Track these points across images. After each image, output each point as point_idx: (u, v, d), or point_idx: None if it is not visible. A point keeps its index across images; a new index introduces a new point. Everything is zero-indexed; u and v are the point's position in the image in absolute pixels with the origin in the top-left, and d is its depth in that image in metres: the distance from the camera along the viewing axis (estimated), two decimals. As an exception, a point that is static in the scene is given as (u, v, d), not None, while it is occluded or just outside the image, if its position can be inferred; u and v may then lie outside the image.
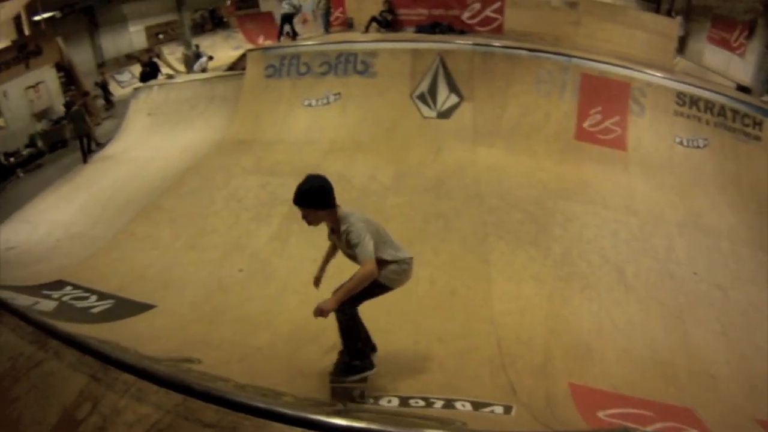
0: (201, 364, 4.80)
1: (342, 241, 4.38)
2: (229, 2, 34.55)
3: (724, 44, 17.54)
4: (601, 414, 4.88)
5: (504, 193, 8.42)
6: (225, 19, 34.06)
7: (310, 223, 4.45)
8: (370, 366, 4.65)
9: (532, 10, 13.34)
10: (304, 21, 15.85)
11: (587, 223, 7.97)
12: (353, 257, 4.28)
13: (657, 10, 26.13)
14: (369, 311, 5.24)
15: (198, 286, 6.99)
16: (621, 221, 8.19)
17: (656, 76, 10.90)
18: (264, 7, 34.58)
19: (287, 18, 15.95)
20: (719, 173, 10.02)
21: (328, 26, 14.77)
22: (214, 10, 34.09)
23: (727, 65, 16.96)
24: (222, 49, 28.59)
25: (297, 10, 15.45)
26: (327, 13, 14.80)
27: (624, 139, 10.08)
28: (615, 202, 8.70)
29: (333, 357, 4.96)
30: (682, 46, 21.55)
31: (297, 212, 7.42)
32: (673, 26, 14.72)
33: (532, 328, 6.05)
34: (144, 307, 6.56)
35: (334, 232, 4.52)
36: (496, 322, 6.03)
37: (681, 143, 10.33)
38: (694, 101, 10.72)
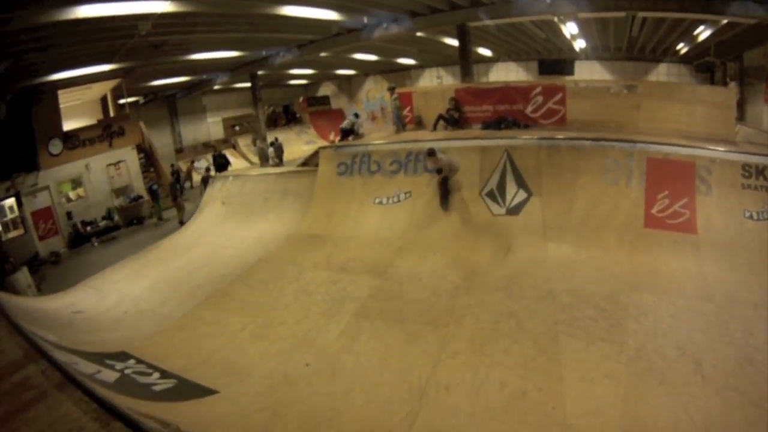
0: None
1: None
2: (301, 99, 36.47)
3: (783, 104, 17.30)
4: None
5: (576, 289, 8.43)
6: (298, 115, 35.95)
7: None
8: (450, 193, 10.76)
9: (593, 99, 13.56)
10: (373, 118, 16.68)
11: (661, 315, 7.80)
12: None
13: (711, 80, 26.08)
14: (436, 414, 5.70)
15: (263, 376, 6.95)
16: (695, 309, 7.97)
17: (720, 151, 10.74)
18: (335, 104, 36.49)
19: (346, 133, 16.81)
20: None
21: (401, 124, 15.31)
22: (288, 105, 36.10)
23: (788, 125, 16.67)
24: (295, 144, 30.09)
25: (356, 128, 16.16)
26: (399, 112, 15.35)
27: (693, 222, 9.98)
28: (689, 289, 8.53)
29: None
30: (740, 112, 21.27)
31: (367, 310, 8.17)
32: (730, 95, 14.59)
33: (607, 430, 5.86)
34: (207, 392, 6.50)
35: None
36: (569, 424, 5.87)
37: (751, 217, 10.00)
38: (760, 171, 10.39)
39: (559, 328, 7.49)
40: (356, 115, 14.94)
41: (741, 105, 21.46)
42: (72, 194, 19.55)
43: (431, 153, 10.84)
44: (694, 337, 7.42)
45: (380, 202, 11.48)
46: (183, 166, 25.87)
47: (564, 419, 5.96)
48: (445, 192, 10.99)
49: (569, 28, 19.92)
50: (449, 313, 8.02)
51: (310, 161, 15.75)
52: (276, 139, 28.00)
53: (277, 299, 9.06)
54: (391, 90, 15.58)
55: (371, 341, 7.46)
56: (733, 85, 21.66)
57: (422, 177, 11.49)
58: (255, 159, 29.06)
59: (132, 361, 7.22)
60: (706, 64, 25.01)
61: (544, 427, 5.84)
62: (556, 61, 29.60)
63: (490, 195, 10.87)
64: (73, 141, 19.52)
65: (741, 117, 20.77)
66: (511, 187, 10.80)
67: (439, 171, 10.97)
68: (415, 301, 8.45)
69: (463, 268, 9.23)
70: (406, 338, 7.47)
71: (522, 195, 10.72)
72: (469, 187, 11.02)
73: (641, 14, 14.22)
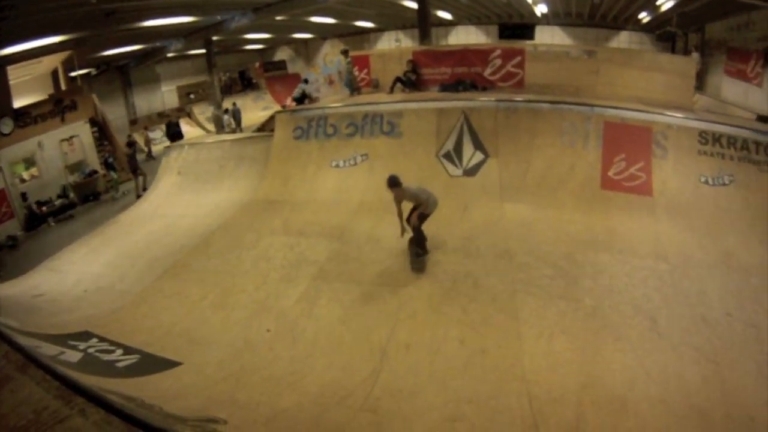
0: (227, 425, 4.80)
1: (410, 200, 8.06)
2: (258, 64, 35.70)
3: (741, 75, 17.51)
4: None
5: (533, 249, 8.49)
6: (254, 81, 35.16)
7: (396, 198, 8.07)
8: (427, 253, 8.44)
9: (552, 63, 13.53)
10: (331, 82, 16.25)
11: (617, 273, 7.94)
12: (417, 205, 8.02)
13: (672, 50, 26.45)
14: (397, 373, 5.71)
15: (225, 345, 6.95)
16: (651, 268, 8.14)
17: (677, 117, 10.96)
18: (292, 68, 35.78)
19: (299, 102, 16.44)
20: (747, 208, 9.94)
21: (353, 88, 15.08)
22: (244, 71, 35.27)
23: (745, 96, 16.92)
24: (251, 110, 29.49)
25: (308, 92, 15.85)
26: (350, 75, 15.13)
27: (649, 184, 10.15)
28: (644, 249, 8.68)
29: (362, 419, 5.17)
30: (700, 81, 21.61)
31: (326, 273, 8.13)
32: (690, 64, 14.77)
33: (564, 385, 5.94)
34: (170, 364, 6.50)
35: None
36: (528, 380, 5.96)
37: (706, 182, 10.32)
38: (716, 138, 10.72)
39: (517, 287, 7.58)
40: (306, 81, 14.53)
41: (701, 75, 21.83)
42: (26, 174, 18.64)
43: (394, 183, 7.99)
44: (650, 295, 7.57)
45: (337, 165, 11.35)
46: (139, 138, 24.99)
47: (523, 375, 6.04)
48: (419, 237, 8.45)
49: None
50: (407, 273, 8.06)
51: (266, 126, 15.64)
52: (234, 104, 27.41)
53: (235, 267, 8.97)
54: (345, 53, 15.25)
55: (330, 304, 7.46)
56: (696, 55, 21.94)
57: (379, 139, 11.38)
58: (211, 127, 28.40)
59: (95, 340, 7.15)
60: (668, 34, 25.32)
61: (504, 383, 5.91)
62: (516, 26, 29.61)
63: (447, 156, 10.82)
64: (25, 119, 18.59)
65: (700, 87, 21.14)
66: (468, 149, 10.78)
67: (414, 208, 8.38)
68: (373, 262, 8.48)
69: (421, 229, 9.16)
70: (364, 300, 7.48)
71: (479, 156, 10.71)
72: (425, 148, 10.97)
73: None
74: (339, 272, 8.27)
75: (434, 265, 8.21)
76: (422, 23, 17.15)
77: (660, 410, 5.73)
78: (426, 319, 6.97)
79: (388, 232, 9.03)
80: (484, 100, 11.44)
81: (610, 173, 10.29)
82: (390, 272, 8.16)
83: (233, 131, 24.41)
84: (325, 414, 5.49)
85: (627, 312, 7.17)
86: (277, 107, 24.34)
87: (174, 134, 22.59)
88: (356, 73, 15.42)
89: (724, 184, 10.37)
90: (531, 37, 29.01)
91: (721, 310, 7.42)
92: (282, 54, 39.09)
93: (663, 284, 7.81)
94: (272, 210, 10.66)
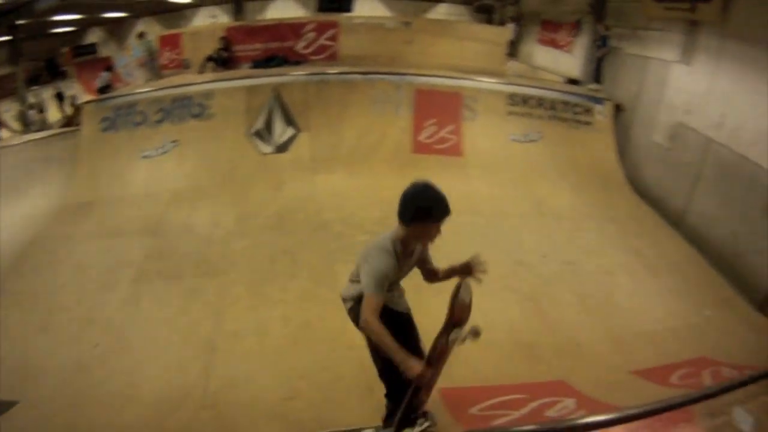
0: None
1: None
2: (66, 50, 32.41)
3: (553, 44, 18.71)
4: (474, 410, 4.91)
5: (347, 217, 8.48)
6: (63, 69, 31.87)
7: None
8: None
9: (366, 34, 13.71)
10: (142, 65, 15.34)
11: None
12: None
13: (489, 21, 27.79)
14: (229, 364, 5.53)
15: (56, 371, 6.34)
16: (466, 223, 8.29)
17: (486, 82, 11.61)
18: (104, 52, 32.88)
19: (104, 91, 15.37)
20: (556, 160, 10.78)
21: (156, 69, 14.19)
22: (52, 59, 31.86)
23: (556, 62, 18.09)
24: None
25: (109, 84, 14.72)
26: (152, 57, 14.23)
27: (460, 146, 10.59)
28: (458, 206, 8.77)
29: (204, 416, 4.97)
30: (515, 50, 22.90)
31: (144, 273, 7.51)
32: (501, 34, 15.57)
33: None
34: (7, 405, 5.85)
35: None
36: (356, 345, 5.74)
37: (516, 140, 11.03)
38: (525, 100, 11.53)
39: (334, 257, 7.53)
40: (108, 69, 13.57)
41: (516, 44, 23.08)
42: None
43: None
44: (467, 248, 7.62)
45: (147, 156, 10.57)
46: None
47: (351, 342, 5.73)
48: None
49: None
50: (225, 259, 7.78)
51: (74, 120, 14.16)
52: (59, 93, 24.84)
53: (52, 283, 8.07)
54: (141, 36, 14.33)
55: (153, 305, 7.03)
56: (511, 26, 23.11)
57: (188, 123, 10.78)
58: (18, 126, 25.62)
59: None
60: (485, 6, 26.37)
61: (333, 353, 5.90)
62: (335, -1, 29.40)
63: (258, 134, 10.51)
64: None
65: (515, 55, 22.36)
66: (279, 125, 10.55)
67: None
68: (190, 253, 8.08)
69: (234, 213, 8.95)
70: (186, 294, 7.13)
71: (290, 132, 10.53)
72: (235, 128, 10.59)
73: None
74: (158, 270, 7.79)
75: (252, 248, 7.99)
76: (236, -4, 16.48)
77: (489, 352, 5.83)
78: (249, 304, 6.79)
79: (202, 219, 8.71)
80: (295, 74, 11.26)
81: (421, 138, 10.59)
82: (208, 261, 7.80)
83: (42, 129, 22.19)
84: (166, 421, 5.20)
85: (445, 266, 7.27)
86: (89, 97, 22.43)
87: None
88: (168, 53, 14.61)
89: (533, 141, 11.11)
90: (349, 9, 28.86)
91: (537, 253, 7.93)
92: (93, 37, 36.01)
93: (479, 236, 8.08)
94: (85, 213, 9.79)
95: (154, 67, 14.09)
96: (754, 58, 8.13)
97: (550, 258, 7.83)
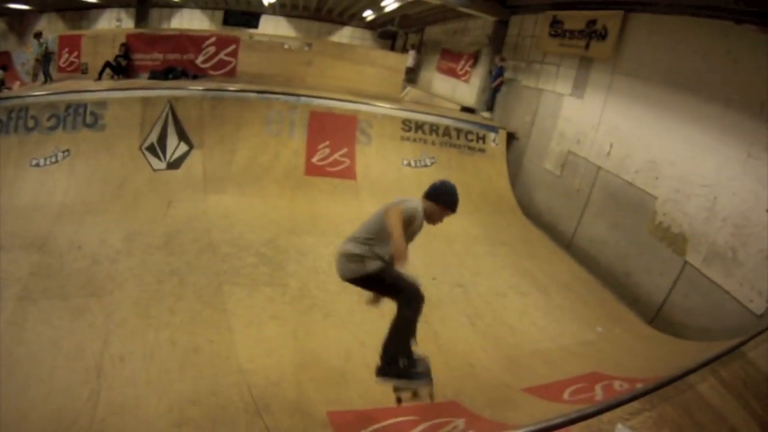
0: None
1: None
2: None
3: (451, 72, 19.50)
4: (363, 433, 5.06)
5: (236, 239, 8.52)
6: None
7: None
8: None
9: (266, 53, 13.77)
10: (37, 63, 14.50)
11: (322, 254, 8.28)
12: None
13: (392, 47, 28.60)
14: (116, 389, 5.43)
15: None
16: None
17: (382, 107, 12.01)
18: (4, 46, 30.79)
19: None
20: None
21: (47, 74, 13.60)
22: None
23: (453, 90, 18.89)
24: None
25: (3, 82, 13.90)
26: (47, 59, 13.64)
27: (353, 169, 10.91)
28: (348, 229, 9.00)
29: None
30: (415, 77, 23.67)
31: (30, 292, 7.24)
32: (400, 61, 16.05)
33: (281, 368, 6.05)
34: None
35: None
36: (245, 369, 5.96)
37: (409, 165, 11.53)
38: (419, 126, 12.07)
39: (222, 279, 7.54)
40: (3, 68, 12.82)
41: (416, 71, 23.84)
42: None
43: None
44: None
45: (37, 164, 10.07)
46: None
47: (239, 366, 6.03)
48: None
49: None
50: (111, 279, 7.54)
51: None
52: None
53: None
54: (37, 36, 13.72)
55: (38, 326, 6.65)
56: (412, 53, 23.85)
57: (81, 133, 10.37)
58: None
59: None
60: (389, 32, 27.07)
61: (222, 377, 5.86)
62: (242, 13, 29.26)
63: (151, 149, 10.32)
64: None
65: (414, 81, 23.11)
66: (172, 140, 10.42)
67: None
68: (77, 272, 7.77)
69: (123, 230, 8.70)
70: (72, 315, 6.82)
71: (183, 148, 10.44)
72: (128, 141, 10.33)
73: None
74: (44, 288, 7.39)
75: (138, 267, 7.82)
76: (141, 2, 16.02)
77: None
78: (136, 326, 6.60)
79: (90, 235, 8.46)
80: (191, 89, 11.13)
81: (314, 159, 10.83)
82: (95, 280, 7.55)
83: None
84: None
85: (333, 289, 7.43)
86: None
87: None
88: (67, 55, 13.95)
89: (426, 166, 11.61)
90: (255, 26, 28.89)
91: (427, 275, 8.10)
92: None
93: (368, 260, 8.33)
94: None
95: (47, 70, 13.40)
96: (640, 93, 9.10)
97: (441, 280, 8.13)
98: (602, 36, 10.12)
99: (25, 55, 13.70)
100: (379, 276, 4.67)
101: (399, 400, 5.01)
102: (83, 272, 7.73)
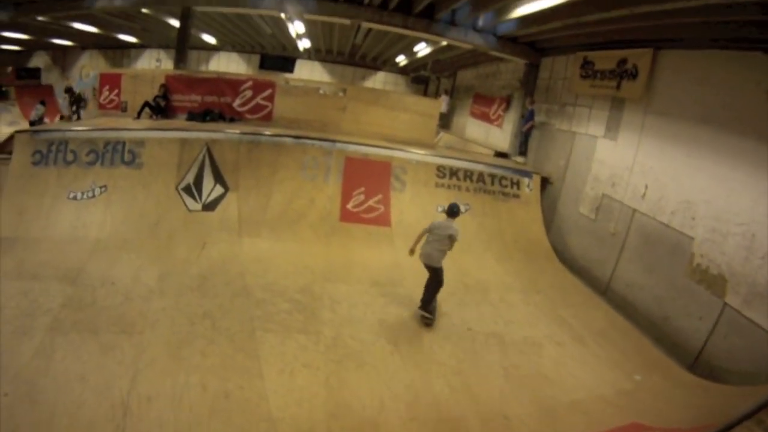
0: None
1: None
2: (9, 69, 30.83)
3: (484, 117, 19.50)
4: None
5: (270, 284, 8.45)
6: (4, 88, 30.20)
7: None
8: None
9: (301, 98, 13.89)
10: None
11: (356, 303, 8.24)
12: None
13: (425, 92, 28.79)
14: (141, 430, 5.31)
15: None
16: (390, 295, 8.64)
17: (416, 153, 11.96)
18: (47, 78, 31.54)
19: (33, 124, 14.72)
20: (482, 232, 11.17)
21: (77, 112, 13.73)
22: None
23: (487, 135, 18.86)
24: None
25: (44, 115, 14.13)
26: (78, 100, 13.78)
27: (387, 216, 10.83)
28: (383, 277, 9.19)
29: None
30: (447, 122, 23.73)
31: (60, 323, 7.24)
32: (434, 106, 16.09)
33: (313, 417, 5.93)
34: None
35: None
36: (275, 418, 5.84)
37: (443, 211, 11.18)
38: (453, 172, 12.01)
39: (255, 324, 7.44)
40: (42, 103, 13.06)
41: (449, 116, 23.92)
42: None
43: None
44: (389, 320, 8.02)
45: (74, 197, 10.21)
46: None
47: (269, 414, 5.91)
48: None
49: (296, 27, 19.97)
50: (143, 318, 7.49)
51: (5, 147, 13.41)
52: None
53: None
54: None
55: (67, 359, 6.62)
56: (445, 98, 23.96)
57: (119, 169, 10.52)
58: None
59: None
60: (422, 77, 27.34)
61: (251, 424, 5.75)
62: (278, 58, 29.76)
63: (187, 190, 10.40)
64: None
65: (447, 126, 23.17)
66: (208, 182, 10.50)
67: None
68: (109, 307, 7.75)
69: (157, 269, 8.69)
70: (101, 350, 6.79)
71: (219, 190, 10.50)
72: (165, 180, 10.43)
73: (367, 24, 14.70)
74: (75, 321, 7.40)
75: (171, 308, 7.76)
76: (181, 45, 16.23)
77: (412, 427, 5.93)
78: (166, 367, 6.52)
79: (123, 271, 8.44)
80: (228, 132, 11.24)
81: (349, 206, 10.78)
82: (126, 318, 7.51)
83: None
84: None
85: (368, 339, 7.40)
86: (25, 123, 21.42)
87: None
88: (107, 93, 14.15)
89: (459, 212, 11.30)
90: (291, 70, 29.40)
91: (462, 325, 8.09)
92: (38, 60, 34.66)
93: (402, 308, 8.31)
94: (5, 249, 9.24)
95: (78, 113, 13.58)
96: (673, 133, 8.95)
97: (476, 330, 7.99)
98: (633, 75, 10.05)
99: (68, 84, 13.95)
100: (440, 268, 8.06)
101: (427, 324, 8.00)
102: (115, 308, 7.72)
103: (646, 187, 9.42)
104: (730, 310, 7.33)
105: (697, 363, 7.65)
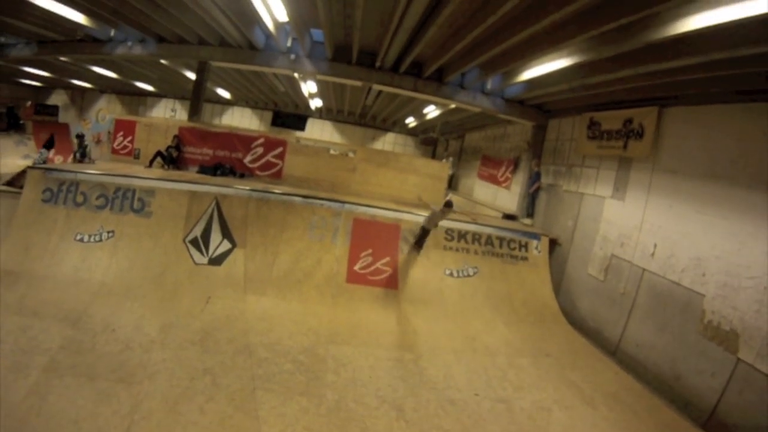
0: None
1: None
2: (29, 104, 31.29)
3: (492, 179, 19.61)
4: None
5: (273, 343, 8.30)
6: (22, 121, 30.23)
7: None
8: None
9: (312, 157, 14.08)
10: (98, 141, 14.97)
11: (361, 366, 8.08)
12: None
13: (434, 153, 29.17)
14: None
15: None
16: (395, 359, 8.46)
17: (425, 216, 11.79)
18: (64, 117, 31.88)
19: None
20: (491, 295, 11.07)
21: (81, 160, 13.68)
22: (13, 107, 30.19)
23: (495, 197, 18.94)
24: (10, 155, 25.59)
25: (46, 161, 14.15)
26: (83, 148, 13.74)
27: (395, 278, 10.75)
28: (388, 340, 9.05)
29: None
30: (455, 183, 23.88)
31: (57, 365, 7.18)
32: (443, 169, 16.23)
33: None
34: None
35: None
36: None
37: (451, 274, 11.33)
38: (462, 235, 12.00)
39: (256, 384, 7.31)
40: (46, 147, 13.13)
41: (457, 177, 24.11)
42: None
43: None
44: (395, 385, 7.80)
45: (81, 239, 10.27)
46: None
47: None
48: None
49: (309, 86, 20.47)
50: (143, 368, 7.39)
51: (17, 180, 13.58)
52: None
53: None
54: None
55: (61, 402, 6.53)
56: (451, 159, 24.19)
57: (127, 216, 10.60)
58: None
59: None
60: (430, 139, 27.74)
61: None
62: (291, 115, 30.41)
63: (194, 243, 10.40)
64: None
65: (455, 187, 23.31)
66: (216, 237, 10.52)
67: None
68: (108, 354, 7.67)
69: (159, 319, 8.63)
70: (97, 397, 6.68)
71: (226, 245, 10.49)
72: (172, 231, 10.48)
73: (377, 87, 15.02)
74: (71, 364, 7.31)
75: (171, 361, 7.64)
76: (196, 97, 16.57)
77: None
78: (162, 421, 6.37)
79: (125, 319, 8.37)
80: (238, 187, 11.30)
81: (356, 267, 10.73)
82: (125, 366, 7.41)
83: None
84: None
85: (372, 404, 7.22)
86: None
87: None
88: (121, 139, 14.46)
89: (468, 276, 11.41)
90: (302, 128, 30.04)
91: (469, 391, 7.89)
92: (57, 98, 35.13)
93: (408, 373, 8.13)
94: (8, 283, 9.22)
95: (82, 154, 13.61)
96: (680, 189, 9.00)
97: (483, 396, 7.81)
98: (639, 134, 10.18)
99: (82, 130, 14.08)
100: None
101: (417, 250, 10.79)
102: (114, 356, 7.63)
103: (655, 245, 9.43)
104: (743, 365, 7.26)
105: (711, 421, 7.54)
